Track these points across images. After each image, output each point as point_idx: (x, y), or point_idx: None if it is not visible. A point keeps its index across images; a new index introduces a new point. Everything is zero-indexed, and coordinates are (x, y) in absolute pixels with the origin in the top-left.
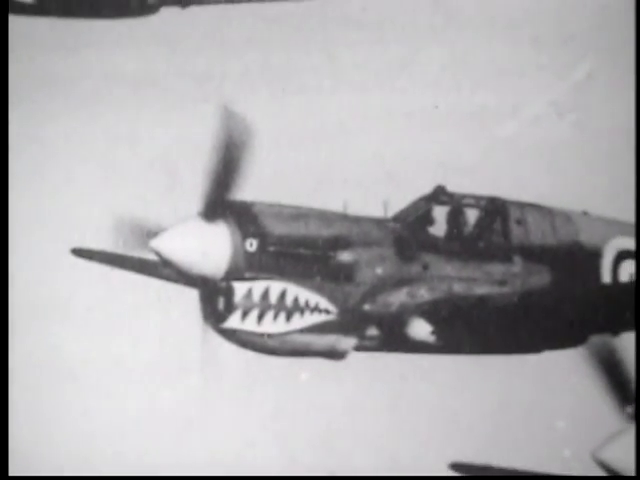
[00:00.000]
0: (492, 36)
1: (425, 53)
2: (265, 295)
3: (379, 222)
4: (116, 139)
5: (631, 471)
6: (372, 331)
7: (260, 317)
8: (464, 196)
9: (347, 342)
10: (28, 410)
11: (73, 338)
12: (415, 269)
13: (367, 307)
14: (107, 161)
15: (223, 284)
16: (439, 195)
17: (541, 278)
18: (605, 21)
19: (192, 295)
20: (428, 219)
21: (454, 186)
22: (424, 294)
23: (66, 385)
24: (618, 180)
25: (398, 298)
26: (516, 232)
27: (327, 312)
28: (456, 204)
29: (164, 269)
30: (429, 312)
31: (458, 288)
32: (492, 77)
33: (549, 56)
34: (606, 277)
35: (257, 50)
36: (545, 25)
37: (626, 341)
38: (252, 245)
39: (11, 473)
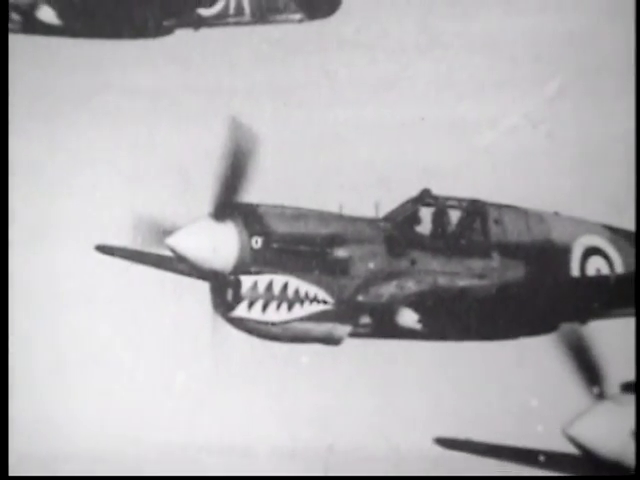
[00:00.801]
0: (472, 55)
1: (412, 70)
2: (269, 287)
3: (371, 222)
4: (135, 147)
5: (596, 446)
6: (365, 319)
7: (264, 307)
8: (447, 198)
9: (343, 329)
10: (52, 388)
11: (97, 326)
12: (404, 264)
13: (360, 298)
14: (127, 167)
15: (231, 277)
16: (425, 197)
17: (517, 272)
18: (573, 42)
19: (204, 287)
20: (415, 219)
21: (438, 189)
22: (411, 286)
23: (90, 367)
24: (587, 183)
25: (388, 290)
26: (494, 231)
27: (325, 302)
28: (440, 206)
29: (179, 264)
30: (416, 302)
31: (442, 281)
32: (472, 92)
33: (523, 73)
34: (575, 271)
35: (262, 68)
36: (520, 45)
37: (593, 329)
38: (257, 242)
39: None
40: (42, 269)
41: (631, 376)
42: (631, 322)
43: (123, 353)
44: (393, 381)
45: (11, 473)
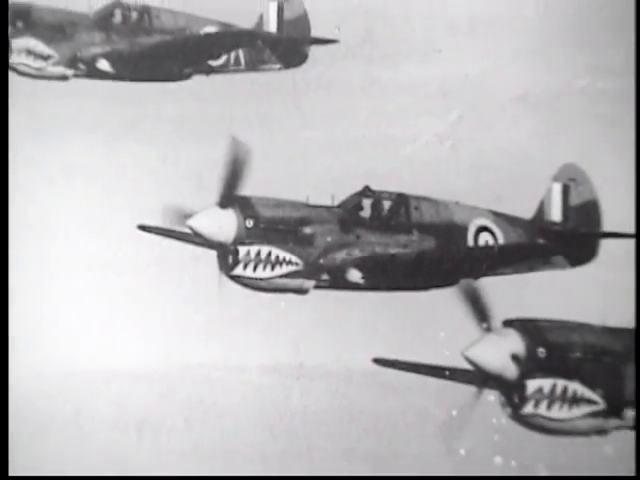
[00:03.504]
0: (399, 92)
1: (356, 104)
2: (258, 254)
3: (329, 208)
4: (164, 158)
5: (484, 364)
6: (324, 276)
7: (255, 268)
8: (382, 192)
9: (309, 283)
10: (103, 323)
11: (137, 283)
12: (351, 238)
13: (321, 261)
14: (159, 171)
15: (232, 247)
16: (366, 192)
17: (430, 243)
18: (468, 83)
19: (212, 254)
20: (359, 207)
21: (375, 186)
22: (357, 253)
23: (132, 311)
24: (478, 182)
25: (340, 256)
26: (414, 215)
27: (296, 265)
28: (377, 197)
29: (195, 238)
30: (360, 265)
31: (378, 250)
32: (399, 118)
33: (434, 105)
34: (470, 242)
35: (253, 102)
36: (432, 86)
37: (483, 283)
38: (250, 223)
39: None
40: (96, 243)
41: (509, 316)
42: (508, 277)
43: (156, 301)
44: (344, 319)
45: (78, 384)
